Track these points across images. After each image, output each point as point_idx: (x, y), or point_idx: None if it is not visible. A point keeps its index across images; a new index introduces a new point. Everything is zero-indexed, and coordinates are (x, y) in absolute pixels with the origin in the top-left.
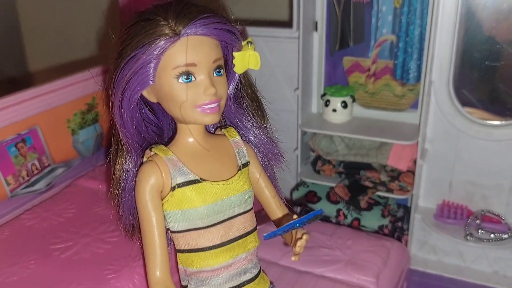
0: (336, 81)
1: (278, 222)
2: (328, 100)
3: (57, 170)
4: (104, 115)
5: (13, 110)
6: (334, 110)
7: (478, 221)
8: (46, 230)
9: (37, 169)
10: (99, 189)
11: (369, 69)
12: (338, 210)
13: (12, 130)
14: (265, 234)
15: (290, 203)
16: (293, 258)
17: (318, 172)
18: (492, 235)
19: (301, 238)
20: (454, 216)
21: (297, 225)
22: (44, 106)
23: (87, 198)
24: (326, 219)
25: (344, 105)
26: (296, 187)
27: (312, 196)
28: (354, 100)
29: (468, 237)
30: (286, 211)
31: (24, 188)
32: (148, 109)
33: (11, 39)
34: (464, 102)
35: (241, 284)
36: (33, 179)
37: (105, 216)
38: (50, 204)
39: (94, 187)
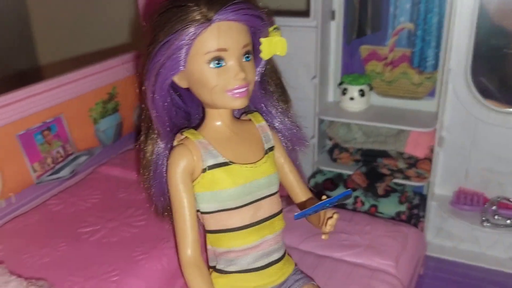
0: (353, 70)
1: (302, 205)
2: (345, 89)
3: (80, 157)
4: (124, 104)
5: (39, 98)
6: (352, 99)
7: (494, 207)
8: (73, 215)
9: (61, 156)
10: (121, 176)
11: (386, 58)
12: (356, 197)
13: (38, 118)
14: (295, 214)
15: (311, 187)
16: (323, 237)
17: (335, 160)
18: (508, 221)
19: (331, 217)
20: (471, 202)
21: (327, 205)
22: (68, 95)
23: (110, 184)
24: (343, 206)
25: (362, 93)
26: (313, 175)
27: (329, 184)
28: (371, 89)
29: (484, 223)
30: (310, 195)
31: (49, 175)
32: (177, 95)
33: (21, 32)
34: (482, 91)
35: (268, 264)
36: (57, 166)
37: (131, 201)
38: (75, 190)
39: (116, 174)
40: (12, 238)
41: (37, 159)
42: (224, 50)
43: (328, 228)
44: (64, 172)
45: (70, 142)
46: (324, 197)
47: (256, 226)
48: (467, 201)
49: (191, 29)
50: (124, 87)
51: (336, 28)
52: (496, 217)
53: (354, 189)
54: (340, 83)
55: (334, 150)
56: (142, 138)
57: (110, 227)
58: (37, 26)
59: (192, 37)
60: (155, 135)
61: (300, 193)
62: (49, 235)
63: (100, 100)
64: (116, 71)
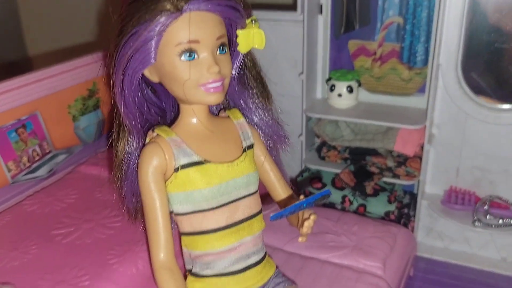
0: (341, 65)
1: (283, 205)
2: (333, 85)
3: (58, 156)
4: (105, 101)
5: (13, 94)
6: (340, 95)
7: (486, 207)
8: (48, 215)
9: (38, 155)
10: (100, 175)
11: (375, 53)
12: (344, 196)
13: (12, 115)
14: (271, 215)
15: (294, 185)
16: (300, 239)
17: (323, 158)
18: (500, 221)
19: (308, 218)
20: (462, 202)
21: (304, 205)
22: (44, 91)
23: (89, 184)
24: (331, 205)
25: (350, 89)
26: (300, 174)
27: (317, 182)
28: (359, 85)
29: (476, 223)
30: (290, 192)
31: (26, 174)
32: (150, 89)
33: (10, 23)
34: (473, 88)
35: (246, 267)
36: (34, 165)
37: (107, 202)
38: (52, 190)
39: (95, 173)
40: None
41: (12, 158)
42: (196, 42)
43: (304, 229)
44: (41, 172)
45: (47, 140)
46: (302, 197)
47: (233, 228)
48: (458, 200)
49: (161, 20)
50: (105, 83)
51: (323, 23)
52: (488, 216)
53: (342, 188)
54: (328, 79)
55: (322, 148)
56: (113, 135)
57: (85, 229)
58: (25, 16)
59: (162, 28)
60: (127, 133)
61: (281, 192)
62: (21, 236)
63: (80, 96)
64: (96, 66)
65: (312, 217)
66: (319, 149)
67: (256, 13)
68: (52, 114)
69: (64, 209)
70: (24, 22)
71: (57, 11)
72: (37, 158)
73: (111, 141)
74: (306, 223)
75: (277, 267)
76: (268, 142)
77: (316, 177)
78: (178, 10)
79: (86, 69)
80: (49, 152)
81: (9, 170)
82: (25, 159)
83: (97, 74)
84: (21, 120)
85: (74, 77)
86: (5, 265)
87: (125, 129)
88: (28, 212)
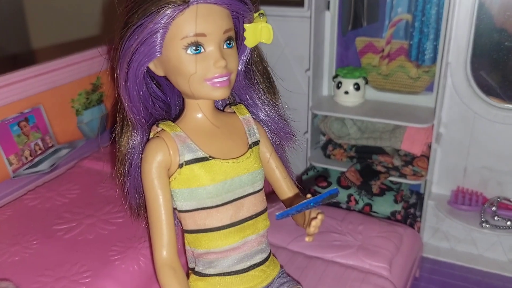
0: (348, 62)
1: (289, 204)
2: (340, 82)
3: (61, 151)
4: (109, 95)
5: (16, 87)
6: (346, 92)
7: (494, 208)
8: (49, 210)
9: (40, 149)
10: (103, 170)
11: (383, 50)
12: (349, 195)
13: (15, 108)
14: (277, 214)
15: (300, 184)
16: (307, 239)
17: (328, 156)
18: (508, 222)
19: (315, 217)
20: (469, 202)
21: (311, 204)
22: (47, 85)
23: (91, 179)
24: (336, 204)
25: (357, 87)
26: (305, 172)
27: (322, 181)
28: (367, 82)
29: (483, 224)
30: (296, 191)
31: (27, 168)
32: (155, 83)
33: (14, 16)
34: (482, 87)
35: (250, 266)
36: (36, 159)
37: (110, 197)
38: (54, 184)
39: (98, 168)
40: None
41: (13, 152)
42: (203, 35)
43: (312, 229)
44: (43, 166)
45: (50, 134)
46: (309, 195)
47: (238, 226)
48: (465, 201)
49: (167, 12)
50: (109, 76)
51: (331, 19)
52: (495, 218)
53: (348, 187)
54: (335, 76)
55: (327, 146)
56: (117, 130)
57: (87, 224)
58: (30, 9)
59: (168, 21)
60: (130, 128)
61: (287, 191)
62: (22, 231)
63: (84, 90)
64: (100, 60)
65: (319, 217)
66: (324, 147)
67: (263, 9)
68: (55, 108)
69: (66, 204)
70: (29, 15)
71: (62, 4)
72: (39, 152)
73: (115, 135)
74: (313, 223)
75: (281, 266)
76: (274, 139)
77: (321, 175)
78: (185, 3)
79: (90, 63)
80: (52, 146)
81: (11, 164)
82: (27, 153)
83: (101, 68)
84: (23, 113)
85: (78, 71)
86: (5, 260)
87: (129, 123)
88: (29, 207)
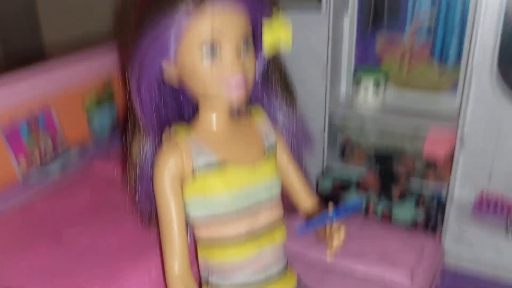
0: (367, 62)
1: (307, 213)
2: (359, 82)
3: (71, 152)
4: (120, 94)
5: (26, 87)
6: (366, 92)
7: None
8: (59, 215)
9: (50, 150)
10: (114, 173)
11: (404, 49)
12: (368, 200)
13: (25, 108)
14: (297, 228)
15: (315, 191)
16: (328, 259)
17: (346, 158)
18: None
19: (338, 230)
20: (494, 209)
21: (335, 217)
22: (58, 84)
23: (101, 182)
24: None
25: (377, 86)
26: (322, 174)
27: (339, 185)
28: (387, 82)
29: (509, 232)
30: (315, 199)
31: (37, 170)
32: (168, 85)
33: (27, 14)
34: (509, 89)
35: (266, 279)
36: (46, 161)
37: (121, 201)
38: (63, 188)
39: (109, 170)
40: None
41: (23, 153)
42: (219, 37)
43: (335, 242)
44: (53, 168)
45: (60, 135)
46: (330, 206)
47: (253, 235)
48: (490, 207)
49: (182, 13)
50: (120, 77)
51: (350, 18)
52: None
53: (366, 191)
54: (354, 75)
55: (345, 148)
56: (128, 134)
57: (96, 230)
58: (42, 8)
59: (183, 22)
60: (142, 131)
61: (306, 197)
62: (31, 237)
63: (95, 90)
64: (112, 60)
65: (343, 230)
66: (342, 148)
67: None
68: (66, 108)
69: (76, 209)
70: (41, 13)
71: (74, 1)
72: (49, 153)
73: (126, 140)
74: (336, 242)
75: (298, 277)
76: (291, 142)
77: (339, 179)
78: (201, 4)
79: (100, 63)
80: (62, 147)
81: (20, 166)
82: (36, 154)
83: (112, 68)
84: (33, 113)
85: (88, 71)
86: (14, 266)
87: (140, 127)
88: (38, 211)
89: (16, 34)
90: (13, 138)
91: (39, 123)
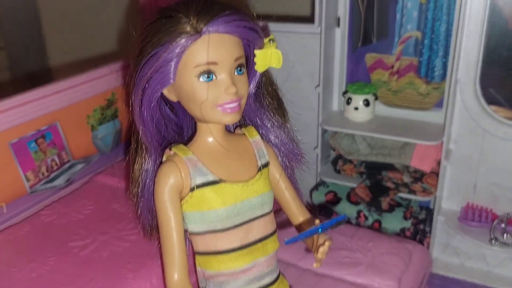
0: (358, 78)
1: (298, 226)
2: (349, 98)
3: (76, 166)
4: (124, 111)
5: (33, 106)
6: (356, 108)
7: (503, 225)
8: (65, 226)
9: (56, 165)
10: (118, 185)
11: (392, 66)
12: (359, 211)
13: (32, 126)
14: (286, 240)
15: (309, 204)
16: (315, 265)
17: (338, 171)
18: None
19: (323, 244)
20: (479, 219)
21: (319, 231)
22: (64, 102)
23: (105, 194)
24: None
25: (366, 103)
26: (315, 187)
27: (332, 197)
28: (376, 98)
29: (493, 241)
30: (307, 214)
31: (44, 184)
32: (168, 107)
33: (32, 34)
34: (490, 101)
35: (260, 287)
36: (52, 175)
37: (124, 213)
38: (69, 200)
39: (112, 183)
40: (1, 250)
41: (31, 168)
42: (215, 63)
43: (319, 255)
44: (59, 181)
45: (66, 150)
46: (317, 221)
47: (247, 249)
48: (475, 217)
49: (181, 42)
50: (124, 100)
51: (341, 35)
52: (505, 235)
53: (357, 203)
54: (345, 92)
55: (338, 161)
56: (131, 152)
57: (101, 240)
58: (47, 26)
59: (181, 50)
60: (144, 150)
61: (297, 212)
62: (39, 248)
63: (99, 106)
64: (115, 77)
65: (326, 244)
66: (334, 162)
67: (273, 25)
68: (71, 124)
69: (81, 220)
70: (46, 31)
71: (80, 20)
72: (55, 167)
73: (129, 156)
74: (321, 249)
75: (290, 286)
76: (284, 160)
77: (331, 191)
78: (198, 32)
79: (104, 80)
80: (68, 161)
81: (28, 180)
82: (43, 169)
83: (116, 84)
84: (40, 130)
85: (93, 88)
86: (23, 276)
87: (143, 146)
88: (45, 223)
89: (21, 56)
90: (22, 154)
91: (46, 139)
